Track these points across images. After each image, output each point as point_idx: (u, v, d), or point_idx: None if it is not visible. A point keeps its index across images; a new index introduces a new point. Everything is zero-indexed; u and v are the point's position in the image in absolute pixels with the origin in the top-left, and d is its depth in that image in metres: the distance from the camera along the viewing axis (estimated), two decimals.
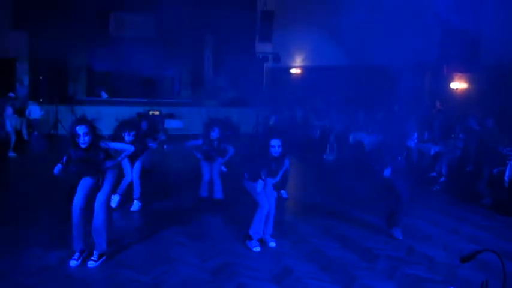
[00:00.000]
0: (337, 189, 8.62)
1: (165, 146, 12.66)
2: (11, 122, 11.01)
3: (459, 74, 10.81)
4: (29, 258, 4.83)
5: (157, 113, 13.65)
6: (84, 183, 4.81)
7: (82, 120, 4.63)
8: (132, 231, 5.80)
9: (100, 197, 4.82)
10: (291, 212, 7.16)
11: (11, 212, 6.37)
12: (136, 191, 6.89)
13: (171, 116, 14.73)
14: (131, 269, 4.67)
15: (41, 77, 15.08)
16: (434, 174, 9.21)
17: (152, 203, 7.09)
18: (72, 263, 4.71)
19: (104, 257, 4.85)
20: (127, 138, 6.61)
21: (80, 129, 4.55)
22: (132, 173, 6.88)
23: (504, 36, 9.24)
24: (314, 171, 10.53)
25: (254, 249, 5.38)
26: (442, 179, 8.87)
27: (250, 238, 5.47)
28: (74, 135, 4.57)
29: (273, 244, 5.58)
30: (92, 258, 4.78)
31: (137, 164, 6.93)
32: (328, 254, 5.29)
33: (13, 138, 10.85)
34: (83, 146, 4.59)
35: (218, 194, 7.17)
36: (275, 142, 5.24)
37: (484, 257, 2.78)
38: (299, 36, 15.06)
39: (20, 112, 12.94)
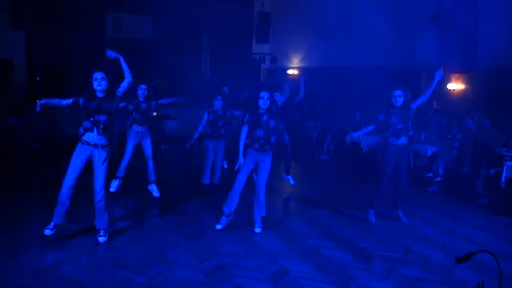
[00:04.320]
0: (333, 190, 8.63)
1: (162, 146, 12.66)
2: None
3: (456, 74, 10.81)
4: (25, 258, 4.81)
5: (155, 114, 13.63)
6: (78, 162, 5.09)
7: (99, 67, 5.02)
8: (128, 231, 5.77)
9: (100, 178, 5.15)
10: (287, 212, 7.16)
11: (8, 212, 6.35)
12: (151, 173, 7.13)
13: (168, 117, 14.71)
14: (127, 269, 4.65)
15: (37, 78, 15.07)
16: (430, 174, 9.22)
17: (148, 202, 7.09)
18: (47, 232, 5.19)
19: (108, 232, 5.39)
20: (140, 92, 6.97)
21: (98, 74, 4.97)
22: (130, 154, 7.05)
23: (501, 36, 9.25)
24: (310, 172, 10.53)
25: (216, 226, 5.86)
26: (439, 179, 8.87)
27: (223, 213, 5.88)
28: (91, 81, 4.98)
29: (258, 230, 5.89)
30: (101, 234, 5.33)
31: (148, 144, 7.07)
32: (324, 254, 5.29)
33: None
34: (98, 87, 4.96)
35: (216, 179, 7.51)
36: (264, 94, 5.62)
37: (480, 257, 2.78)
38: (296, 37, 15.06)
39: (17, 113, 12.92)
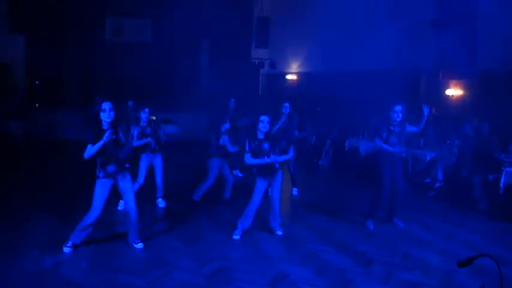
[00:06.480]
0: (332, 194, 8.64)
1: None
2: None
3: (455, 80, 10.84)
4: (25, 260, 4.82)
5: (154, 118, 13.64)
6: (104, 191, 5.09)
7: (107, 98, 5.02)
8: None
9: (131, 198, 5.28)
10: (287, 217, 7.16)
11: (8, 213, 6.35)
12: (160, 190, 7.16)
13: (167, 121, 14.70)
14: (127, 273, 4.66)
15: (37, 82, 15.09)
16: (429, 180, 9.22)
17: (148, 207, 7.08)
18: (67, 249, 5.10)
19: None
20: (143, 115, 6.98)
21: (106, 105, 4.93)
22: (143, 179, 6.98)
23: (500, 42, 9.29)
24: (310, 177, 10.53)
25: (234, 236, 5.81)
26: (437, 184, 8.89)
27: (236, 227, 5.91)
28: (99, 113, 4.95)
29: (279, 233, 6.01)
30: (138, 242, 5.36)
31: (159, 164, 7.09)
32: (324, 258, 5.30)
33: None
34: (107, 119, 4.93)
35: (227, 193, 7.51)
36: (264, 118, 5.73)
37: (479, 261, 2.78)
38: (295, 42, 15.10)
39: (17, 117, 12.94)
